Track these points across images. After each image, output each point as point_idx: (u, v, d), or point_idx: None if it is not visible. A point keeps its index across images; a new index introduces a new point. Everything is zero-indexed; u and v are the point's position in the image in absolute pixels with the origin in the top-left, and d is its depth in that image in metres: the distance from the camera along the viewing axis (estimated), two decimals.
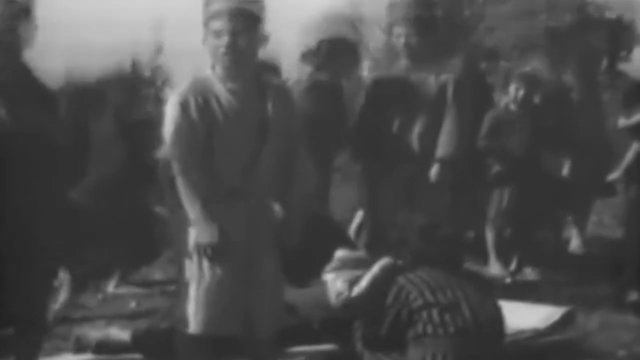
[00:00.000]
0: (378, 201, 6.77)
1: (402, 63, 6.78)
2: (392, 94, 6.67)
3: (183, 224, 4.65)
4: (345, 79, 6.98)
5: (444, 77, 6.66)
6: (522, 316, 5.77)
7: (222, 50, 4.67)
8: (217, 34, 4.67)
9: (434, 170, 6.57)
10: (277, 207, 4.86)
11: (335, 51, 6.77)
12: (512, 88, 7.69)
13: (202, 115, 4.64)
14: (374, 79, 6.97)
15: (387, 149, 6.66)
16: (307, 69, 6.93)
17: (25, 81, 4.74)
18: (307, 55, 6.90)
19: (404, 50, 6.69)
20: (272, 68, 6.69)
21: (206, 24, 4.72)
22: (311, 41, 6.91)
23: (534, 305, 6.25)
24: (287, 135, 4.82)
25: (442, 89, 6.62)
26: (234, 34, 4.65)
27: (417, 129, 6.61)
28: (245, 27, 4.66)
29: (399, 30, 6.72)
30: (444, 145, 6.58)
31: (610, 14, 15.89)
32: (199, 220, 4.59)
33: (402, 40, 6.67)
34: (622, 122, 7.26)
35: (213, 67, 4.74)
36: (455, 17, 14.92)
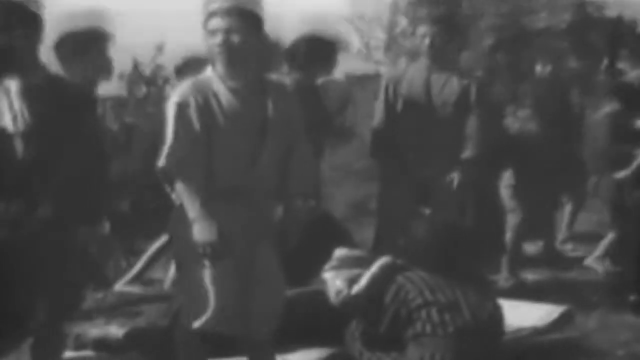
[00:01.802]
0: (391, 201, 6.75)
1: (423, 62, 6.73)
2: (413, 94, 6.66)
3: (182, 222, 4.66)
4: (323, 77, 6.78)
5: (466, 80, 6.69)
6: (522, 314, 5.78)
7: (217, 49, 4.68)
8: (213, 32, 4.69)
9: (457, 172, 6.59)
10: (278, 208, 4.88)
11: (311, 50, 6.53)
12: (538, 66, 7.72)
13: (202, 114, 4.64)
14: (393, 77, 6.87)
15: (406, 148, 6.65)
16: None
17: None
18: (284, 55, 6.64)
19: (429, 51, 6.64)
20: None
21: (204, 24, 4.73)
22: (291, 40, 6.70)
23: (534, 304, 6.25)
24: (288, 134, 4.82)
25: (465, 91, 6.62)
26: (227, 32, 4.66)
27: (439, 130, 6.58)
28: (240, 25, 4.67)
29: (424, 29, 6.69)
30: (469, 147, 6.60)
31: (610, 13, 15.92)
32: (198, 218, 4.59)
33: (427, 40, 6.63)
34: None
35: (214, 67, 4.75)
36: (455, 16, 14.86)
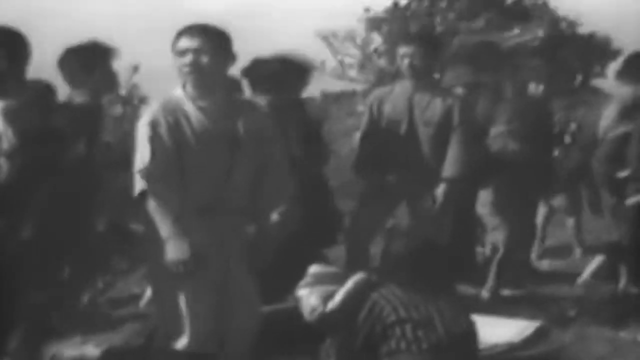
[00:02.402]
0: (367, 217, 6.77)
1: (407, 82, 6.74)
2: (397, 113, 6.69)
3: (157, 240, 4.65)
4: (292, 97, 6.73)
5: (450, 99, 6.70)
6: (497, 330, 5.79)
7: (186, 69, 4.69)
8: (182, 52, 4.70)
9: (440, 190, 6.61)
10: (251, 227, 4.88)
11: (280, 73, 6.47)
12: (532, 86, 7.76)
13: (172, 134, 4.65)
14: (378, 96, 6.90)
15: (389, 166, 6.70)
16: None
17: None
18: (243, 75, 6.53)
19: (409, 71, 6.65)
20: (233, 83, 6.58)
21: (173, 44, 4.74)
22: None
23: (509, 320, 6.26)
24: (260, 152, 4.83)
25: (449, 111, 6.63)
26: (196, 52, 4.67)
27: (422, 149, 6.64)
28: (209, 44, 4.68)
29: (404, 49, 6.69)
30: (451, 166, 6.61)
31: (582, 30, 16.01)
32: (170, 237, 4.58)
33: (406, 60, 6.64)
34: None
35: (184, 86, 4.75)
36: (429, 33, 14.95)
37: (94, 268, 6.97)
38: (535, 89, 8.02)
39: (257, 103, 5.29)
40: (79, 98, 5.92)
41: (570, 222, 9.12)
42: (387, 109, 6.74)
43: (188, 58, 4.67)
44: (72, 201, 5.24)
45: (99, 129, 6.03)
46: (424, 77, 6.68)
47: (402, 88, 6.79)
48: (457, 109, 6.67)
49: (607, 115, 7.05)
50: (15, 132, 4.58)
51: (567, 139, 8.47)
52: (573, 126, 8.52)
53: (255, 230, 4.89)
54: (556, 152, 8.33)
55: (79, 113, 5.73)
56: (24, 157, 4.57)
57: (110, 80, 6.14)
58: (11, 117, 4.61)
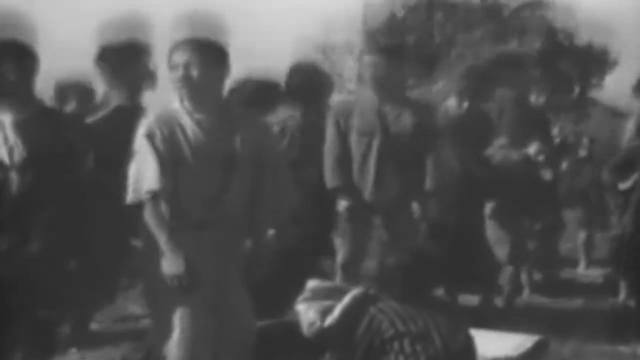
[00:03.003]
0: (352, 232, 6.63)
1: (371, 93, 6.60)
2: (367, 125, 6.55)
3: (153, 256, 4.63)
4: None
5: (420, 110, 6.60)
6: (495, 345, 5.76)
7: (178, 83, 4.67)
8: (174, 67, 4.68)
9: (415, 205, 6.52)
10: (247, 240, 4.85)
11: (261, 91, 6.49)
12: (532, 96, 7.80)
13: (167, 145, 4.62)
14: (342, 110, 6.71)
15: (362, 180, 6.56)
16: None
17: None
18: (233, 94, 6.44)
19: (372, 81, 6.54)
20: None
21: (168, 59, 4.72)
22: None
23: (507, 334, 6.24)
24: (258, 167, 4.80)
25: (419, 122, 6.51)
26: (186, 66, 4.64)
27: (394, 160, 6.51)
28: (199, 58, 4.65)
29: (368, 59, 6.60)
30: (428, 179, 6.51)
31: (580, 41, 16.01)
32: (165, 251, 4.56)
33: (370, 71, 6.55)
34: None
35: (181, 100, 4.74)
36: (427, 45, 15.01)
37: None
38: (535, 99, 8.03)
39: (255, 117, 5.26)
40: (117, 98, 5.90)
41: (583, 235, 9.09)
42: (356, 122, 6.58)
43: (179, 72, 4.65)
44: (80, 216, 5.22)
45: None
46: (389, 88, 6.52)
47: (367, 100, 6.63)
48: (429, 121, 6.57)
49: (629, 129, 7.10)
50: (25, 145, 4.58)
51: (582, 152, 8.44)
52: (586, 141, 8.52)
53: (251, 245, 4.87)
54: (564, 165, 8.31)
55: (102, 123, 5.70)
56: (34, 171, 4.57)
57: (150, 76, 6.12)
58: (22, 130, 4.61)
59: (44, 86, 5.82)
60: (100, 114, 6.17)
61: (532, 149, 7.42)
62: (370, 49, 6.56)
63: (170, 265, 4.56)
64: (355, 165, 6.57)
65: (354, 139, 6.57)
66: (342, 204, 6.60)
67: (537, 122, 7.99)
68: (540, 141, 7.62)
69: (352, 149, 6.57)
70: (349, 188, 6.57)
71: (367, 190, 6.54)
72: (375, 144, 6.51)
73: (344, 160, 6.58)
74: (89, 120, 6.10)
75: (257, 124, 5.00)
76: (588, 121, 8.90)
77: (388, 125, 6.51)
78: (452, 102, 7.58)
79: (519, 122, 7.68)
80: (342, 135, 6.59)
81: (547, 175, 7.61)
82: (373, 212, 6.57)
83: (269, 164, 4.87)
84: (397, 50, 6.67)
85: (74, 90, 6.84)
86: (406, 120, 6.51)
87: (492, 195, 7.54)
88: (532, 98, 8.00)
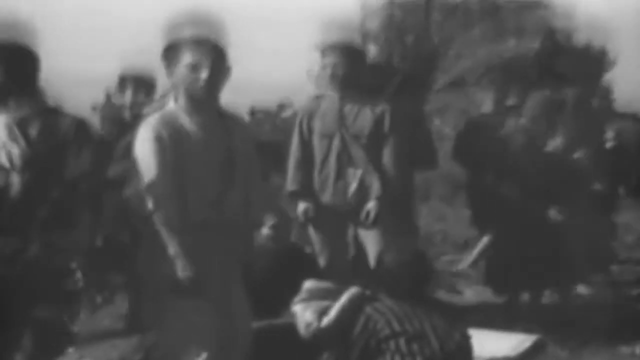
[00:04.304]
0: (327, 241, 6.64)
1: (333, 94, 6.57)
2: (327, 127, 6.52)
3: (153, 257, 4.61)
4: None
5: (379, 108, 6.53)
6: (493, 344, 5.76)
7: (200, 83, 4.62)
8: (194, 67, 4.62)
9: (370, 205, 6.48)
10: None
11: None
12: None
13: (174, 148, 4.61)
14: (306, 112, 6.67)
15: (323, 183, 6.55)
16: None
17: None
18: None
19: (330, 80, 6.50)
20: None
21: (174, 55, 4.68)
22: None
23: (505, 333, 6.23)
24: (250, 166, 4.84)
25: (379, 120, 6.49)
26: (213, 68, 4.62)
27: (354, 162, 6.48)
28: (218, 60, 4.65)
29: (327, 59, 6.51)
30: (383, 179, 6.47)
31: (578, 41, 15.97)
32: (177, 255, 4.55)
33: (329, 70, 6.50)
34: None
35: (176, 100, 4.71)
36: (425, 45, 14.97)
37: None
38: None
39: (241, 118, 5.26)
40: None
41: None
42: (317, 124, 6.57)
43: (204, 73, 4.62)
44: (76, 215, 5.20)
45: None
46: (348, 88, 6.48)
47: (329, 101, 6.59)
48: (388, 118, 6.50)
49: None
50: (27, 147, 4.58)
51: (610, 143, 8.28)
52: (611, 134, 8.38)
53: (245, 244, 4.87)
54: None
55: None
56: (32, 171, 4.56)
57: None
58: (23, 131, 4.61)
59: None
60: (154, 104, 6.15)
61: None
62: (329, 48, 6.45)
63: (182, 268, 4.55)
64: (317, 168, 6.55)
65: (316, 141, 6.57)
66: (300, 208, 6.60)
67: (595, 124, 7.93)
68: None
69: (314, 151, 6.56)
70: (307, 191, 6.56)
71: (328, 192, 6.53)
72: (335, 145, 6.49)
73: (303, 163, 6.57)
74: (145, 110, 6.11)
75: (244, 123, 5.03)
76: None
77: (348, 126, 6.49)
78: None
79: (577, 124, 7.62)
80: (305, 138, 6.58)
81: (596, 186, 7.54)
82: (335, 215, 6.54)
83: (253, 162, 4.92)
84: (354, 48, 6.60)
85: (132, 81, 6.89)
86: (366, 118, 6.49)
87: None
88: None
